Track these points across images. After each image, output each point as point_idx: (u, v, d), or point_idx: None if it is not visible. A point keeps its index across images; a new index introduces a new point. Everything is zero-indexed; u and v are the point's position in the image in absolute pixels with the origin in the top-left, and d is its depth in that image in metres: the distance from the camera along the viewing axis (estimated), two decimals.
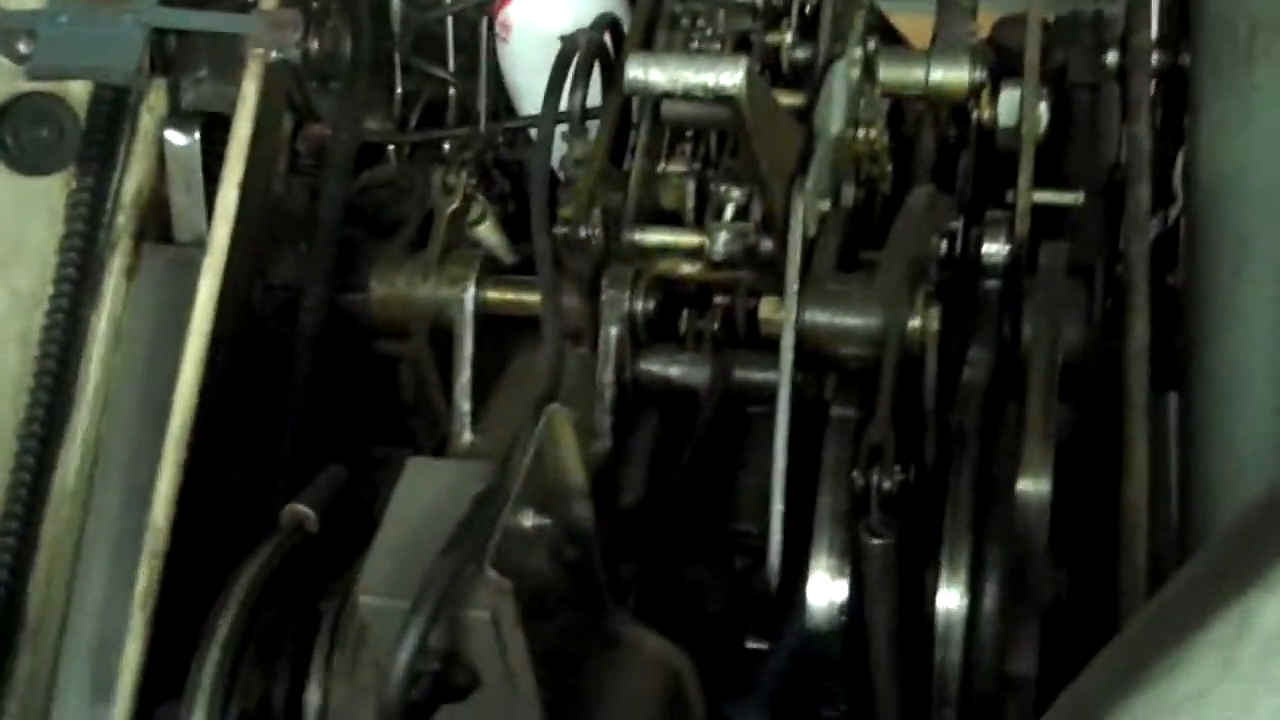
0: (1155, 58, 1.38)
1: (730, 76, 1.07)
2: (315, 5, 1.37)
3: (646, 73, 1.09)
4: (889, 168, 1.34)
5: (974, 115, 1.38)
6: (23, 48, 1.32)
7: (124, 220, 1.36)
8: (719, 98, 1.08)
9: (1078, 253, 1.28)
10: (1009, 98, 1.34)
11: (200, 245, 1.30)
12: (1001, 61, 1.39)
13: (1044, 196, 1.30)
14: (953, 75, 1.35)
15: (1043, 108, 1.31)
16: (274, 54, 1.30)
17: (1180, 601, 0.63)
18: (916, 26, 1.56)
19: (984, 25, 1.48)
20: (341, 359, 1.40)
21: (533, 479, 0.92)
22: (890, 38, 1.46)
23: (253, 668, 1.12)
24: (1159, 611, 0.64)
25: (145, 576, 1.18)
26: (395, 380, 1.47)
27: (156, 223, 1.38)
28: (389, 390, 1.47)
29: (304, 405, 1.34)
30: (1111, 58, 1.43)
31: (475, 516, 0.91)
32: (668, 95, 1.11)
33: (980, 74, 1.35)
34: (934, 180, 1.36)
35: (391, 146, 1.60)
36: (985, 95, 1.36)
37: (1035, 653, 1.10)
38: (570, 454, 0.97)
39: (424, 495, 0.98)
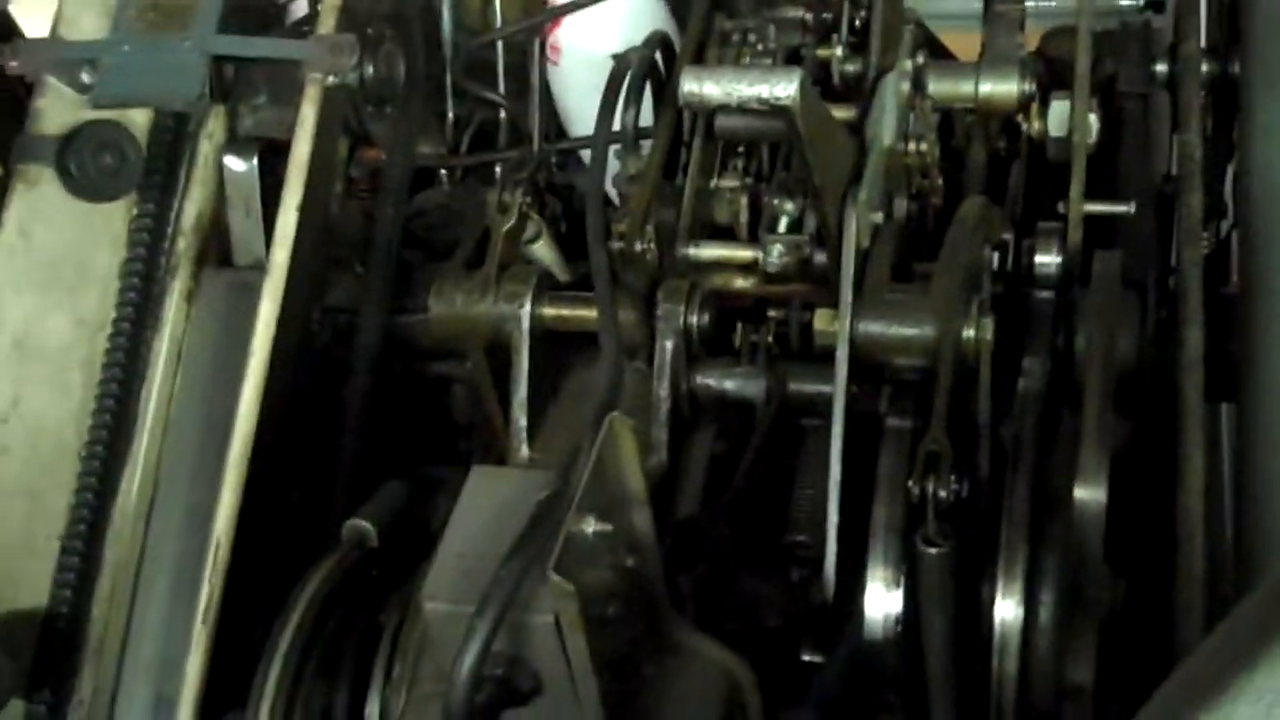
0: (1205, 66, 1.38)
1: (785, 88, 1.09)
2: (370, 31, 1.39)
3: (701, 86, 1.10)
4: (940, 180, 1.35)
5: (1024, 127, 1.38)
6: (85, 77, 1.35)
7: (184, 245, 1.38)
8: (774, 109, 1.10)
9: (1130, 264, 1.27)
10: (1059, 109, 1.34)
11: (259, 269, 1.32)
12: (1050, 73, 1.40)
13: (1096, 207, 1.30)
14: (1002, 88, 1.36)
15: (1093, 117, 1.31)
16: (331, 79, 1.31)
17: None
18: (963, 44, 1.57)
19: (1031, 39, 1.49)
20: (397, 381, 1.42)
21: (594, 486, 0.93)
22: (937, 53, 1.46)
23: (314, 679, 1.13)
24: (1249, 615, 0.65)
25: (208, 591, 1.20)
26: (449, 401, 1.49)
27: (216, 247, 1.41)
28: (443, 411, 1.48)
29: (361, 426, 1.36)
30: (1161, 67, 1.43)
31: (538, 522, 0.93)
32: (722, 108, 1.12)
33: (1029, 86, 1.36)
34: (985, 193, 1.37)
35: (444, 170, 1.62)
36: (1035, 107, 1.37)
37: (1092, 662, 1.10)
38: (631, 461, 0.98)
39: (487, 502, 0.99)
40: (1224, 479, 1.30)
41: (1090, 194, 1.31)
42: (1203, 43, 1.40)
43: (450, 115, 1.63)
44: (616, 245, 1.26)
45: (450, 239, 1.47)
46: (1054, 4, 1.54)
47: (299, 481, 1.35)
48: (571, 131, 1.62)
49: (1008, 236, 1.26)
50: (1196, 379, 1.18)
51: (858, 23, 1.39)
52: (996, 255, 1.23)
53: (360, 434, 1.36)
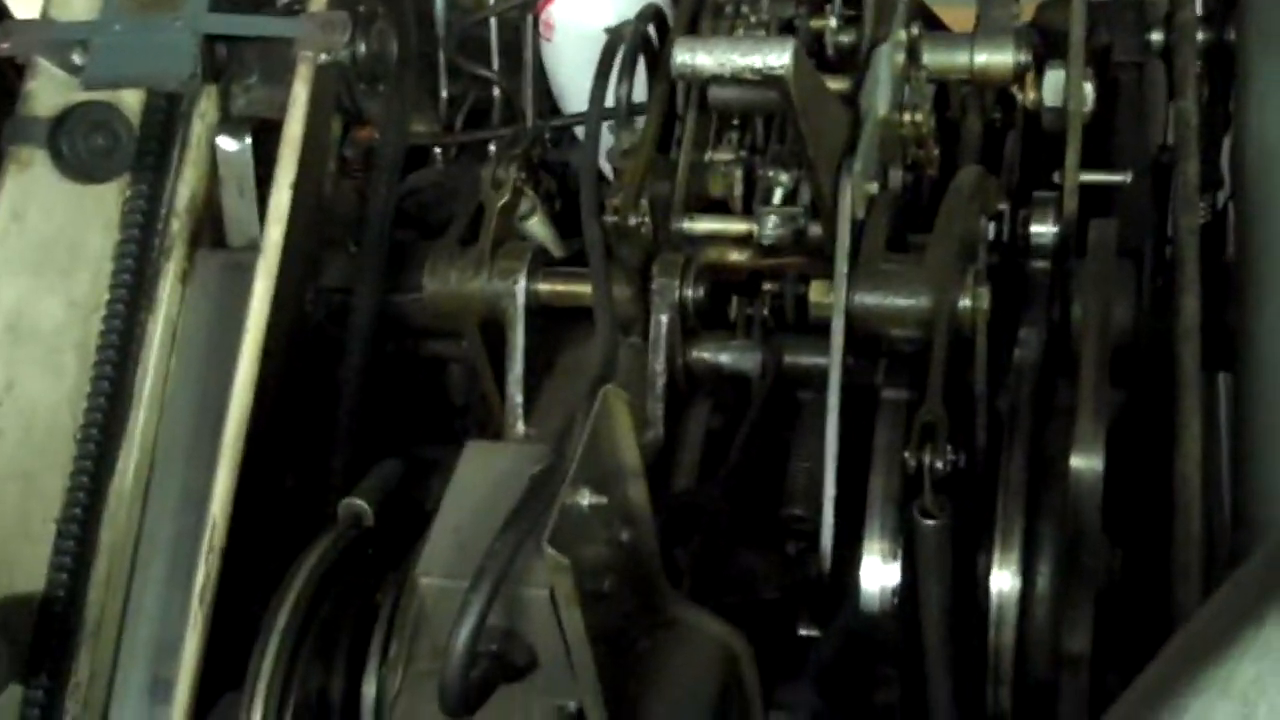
0: (1200, 34, 1.37)
1: (778, 57, 1.08)
2: (362, 8, 1.38)
3: (694, 57, 1.10)
4: (936, 152, 1.34)
5: (1019, 98, 1.37)
6: (77, 58, 1.34)
7: (178, 226, 1.38)
8: (767, 79, 1.09)
9: (1127, 234, 1.27)
10: (1054, 79, 1.34)
11: (253, 249, 1.31)
12: (1045, 44, 1.39)
13: (1092, 176, 1.30)
14: (997, 58, 1.35)
15: (1088, 86, 1.30)
16: (323, 56, 1.31)
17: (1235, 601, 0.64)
18: (958, 19, 1.56)
19: (1027, 10, 1.48)
20: (392, 361, 1.41)
21: (589, 458, 0.93)
22: (931, 25, 1.46)
23: (311, 659, 1.13)
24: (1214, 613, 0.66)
25: (204, 571, 1.19)
26: (445, 382, 1.48)
27: (210, 227, 1.40)
28: (439, 392, 1.48)
29: (356, 407, 1.35)
30: (1156, 36, 1.42)
31: (533, 495, 0.92)
32: (715, 79, 1.12)
33: (1024, 56, 1.35)
34: (980, 164, 1.36)
35: (438, 149, 1.62)
36: (1030, 77, 1.36)
37: (1089, 632, 1.09)
38: (626, 434, 0.97)
39: (483, 477, 0.99)
40: (1221, 448, 1.29)
41: (1086, 165, 1.31)
42: (1198, 10, 1.39)
43: (444, 93, 1.62)
44: (611, 220, 1.25)
45: (444, 218, 1.46)
46: None
47: (294, 462, 1.34)
48: (566, 108, 1.61)
49: (1003, 206, 1.25)
50: (1193, 347, 1.17)
51: None
52: (992, 226, 1.22)
53: (355, 414, 1.35)
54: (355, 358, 1.36)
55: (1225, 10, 1.38)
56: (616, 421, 0.97)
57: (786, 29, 1.37)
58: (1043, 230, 1.24)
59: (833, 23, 1.36)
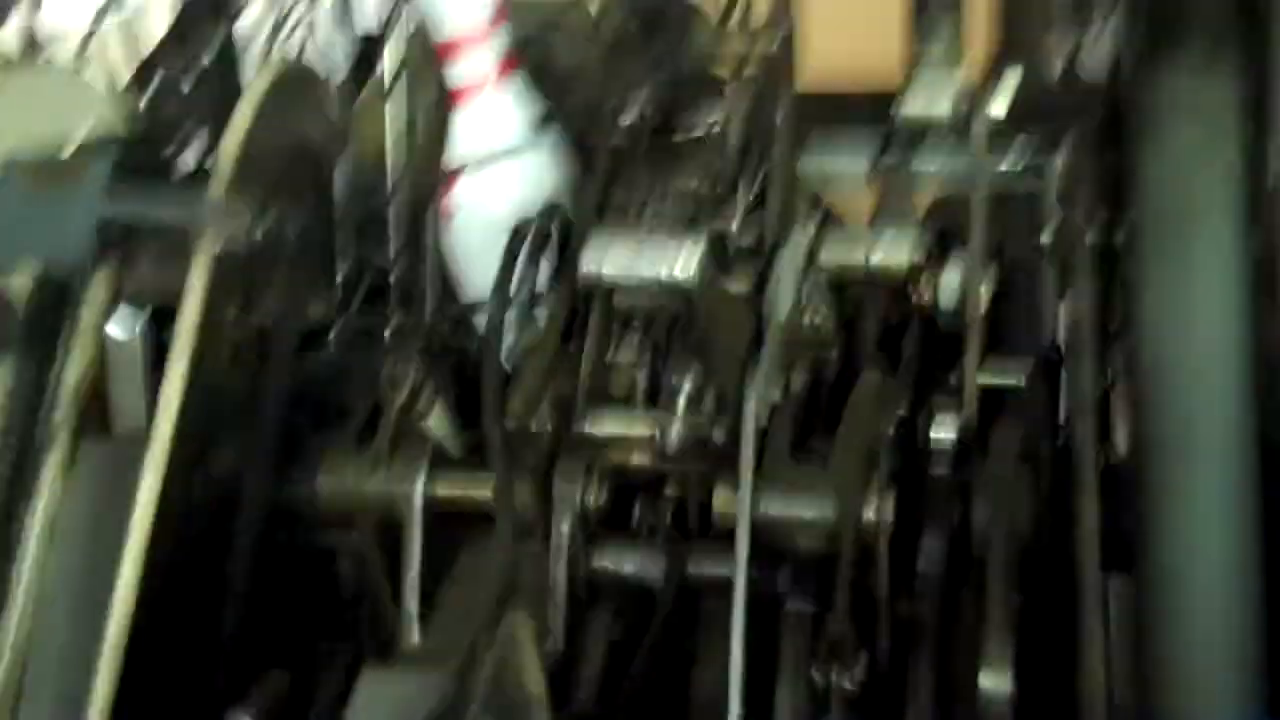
0: (1090, 236, 1.40)
1: (684, 267, 1.09)
2: (261, 192, 1.37)
3: (600, 265, 1.10)
4: (833, 351, 1.35)
5: (915, 296, 1.39)
6: None
7: (63, 413, 1.33)
8: (672, 291, 1.09)
9: (1025, 435, 1.28)
10: (950, 280, 1.36)
11: (141, 438, 1.27)
12: (940, 242, 1.41)
13: (988, 379, 1.31)
14: (894, 256, 1.37)
15: (984, 290, 1.33)
16: (221, 245, 1.29)
17: None
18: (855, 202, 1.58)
19: (919, 204, 1.51)
20: (284, 552, 1.38)
21: (493, 695, 0.90)
22: (831, 221, 1.47)
23: None
24: None
25: None
26: (338, 572, 1.44)
27: (96, 415, 1.36)
28: (332, 583, 1.44)
29: (245, 603, 1.31)
30: (1046, 238, 1.45)
31: None
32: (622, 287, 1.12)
33: (920, 256, 1.37)
34: (876, 360, 1.37)
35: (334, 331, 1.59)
36: (925, 276, 1.38)
37: None
38: (530, 663, 0.95)
39: (379, 710, 0.95)
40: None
41: (985, 354, 1.32)
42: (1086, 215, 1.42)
43: (340, 275, 1.61)
44: (511, 422, 1.24)
45: (340, 403, 1.43)
46: (934, 168, 1.54)
47: (181, 661, 1.29)
48: (464, 292, 1.60)
49: (903, 412, 1.26)
50: (1092, 552, 1.18)
51: (752, 195, 1.39)
52: (894, 431, 1.23)
53: (245, 610, 1.31)
54: (244, 553, 1.32)
55: (1113, 215, 1.41)
56: (520, 650, 0.95)
57: (690, 225, 1.38)
58: (943, 435, 1.24)
59: (734, 224, 1.38)
